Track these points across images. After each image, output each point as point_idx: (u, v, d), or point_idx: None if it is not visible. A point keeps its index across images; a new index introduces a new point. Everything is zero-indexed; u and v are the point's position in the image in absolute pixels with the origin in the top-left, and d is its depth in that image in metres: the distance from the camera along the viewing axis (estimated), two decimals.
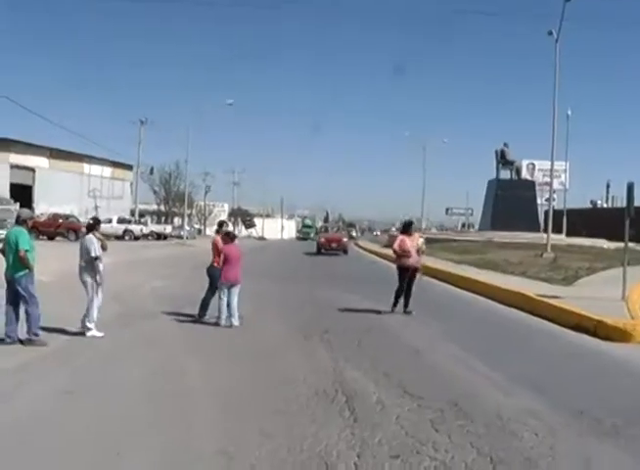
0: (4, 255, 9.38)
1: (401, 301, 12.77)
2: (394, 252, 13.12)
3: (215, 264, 11.88)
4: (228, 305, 11.17)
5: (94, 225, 10.34)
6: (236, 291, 11.30)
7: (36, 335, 9.08)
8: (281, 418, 5.96)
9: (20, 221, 9.50)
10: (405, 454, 5.05)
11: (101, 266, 9.98)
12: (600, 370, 8.50)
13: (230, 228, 12.82)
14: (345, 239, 42.20)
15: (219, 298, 11.26)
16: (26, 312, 9.13)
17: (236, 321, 11.13)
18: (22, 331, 9.16)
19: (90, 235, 10.09)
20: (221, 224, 13.06)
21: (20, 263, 9.10)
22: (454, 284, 19.64)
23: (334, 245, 39.63)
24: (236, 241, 11.89)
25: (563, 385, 7.47)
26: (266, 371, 7.98)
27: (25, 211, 10.87)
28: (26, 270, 9.19)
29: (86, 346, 9.22)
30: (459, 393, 6.86)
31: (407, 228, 13.54)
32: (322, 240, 40.85)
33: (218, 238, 12.05)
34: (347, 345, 9.57)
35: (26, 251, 9.09)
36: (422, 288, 19.01)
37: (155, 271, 23.14)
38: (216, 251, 11.83)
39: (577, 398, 6.80)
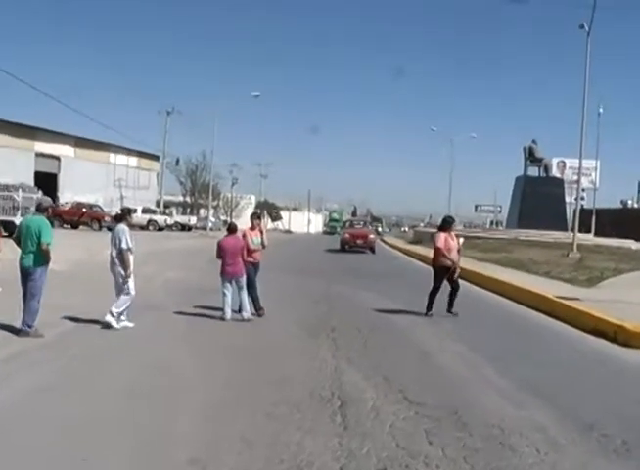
0: (18, 243, 9.13)
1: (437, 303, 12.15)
2: (438, 250, 12.12)
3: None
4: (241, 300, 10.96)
5: (124, 215, 10.13)
6: (241, 284, 10.98)
7: (30, 327, 8.80)
8: (267, 423, 5.60)
9: (41, 209, 9.29)
10: (393, 468, 4.66)
11: (131, 258, 9.75)
12: (616, 379, 7.96)
13: (260, 220, 12.37)
14: (373, 235, 37.16)
15: (222, 293, 10.94)
16: (27, 303, 8.86)
17: (246, 314, 10.83)
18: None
19: (122, 225, 9.86)
20: (252, 216, 12.57)
21: (40, 256, 8.86)
22: (473, 282, 19.09)
23: (359, 242, 35.62)
24: (238, 233, 11.39)
25: (574, 394, 6.97)
26: (262, 370, 7.65)
27: (46, 199, 10.78)
28: (45, 264, 8.97)
29: (80, 338, 8.99)
30: (461, 400, 6.43)
31: (447, 225, 12.53)
32: (346, 236, 36.60)
33: (248, 231, 11.73)
34: (353, 344, 9.19)
35: (48, 244, 8.84)
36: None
37: (172, 262, 23.00)
38: (247, 245, 11.52)
39: (589, 409, 6.31)
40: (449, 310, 12.12)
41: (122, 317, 9.80)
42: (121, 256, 9.63)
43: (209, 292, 14.07)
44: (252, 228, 11.82)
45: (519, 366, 8.16)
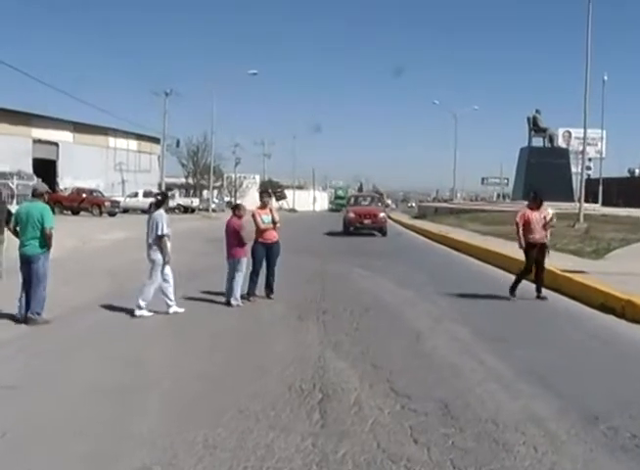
0: (16, 233, 9.01)
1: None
2: (515, 225, 11.36)
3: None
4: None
5: (162, 201, 9.85)
6: (237, 268, 10.47)
7: (39, 314, 8.70)
8: (237, 422, 5.05)
9: (36, 195, 9.04)
10: None
11: (169, 244, 9.49)
12: (625, 362, 7.28)
13: (271, 197, 11.86)
14: (383, 214, 29.99)
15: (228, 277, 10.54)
16: (33, 291, 8.70)
17: (234, 301, 10.31)
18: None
19: (160, 211, 9.54)
20: (262, 194, 12.13)
21: (43, 242, 8.71)
22: (475, 256, 18.52)
23: (367, 222, 28.84)
24: (241, 211, 10.80)
25: (579, 380, 6.34)
26: (242, 359, 7.13)
27: (42, 185, 10.54)
28: (47, 250, 8.81)
29: (55, 329, 8.49)
30: (453, 391, 5.85)
31: (535, 199, 11.51)
32: (351, 215, 29.48)
33: (257, 210, 11.23)
34: (343, 328, 8.64)
35: (51, 228, 8.72)
36: (435, 262, 18.20)
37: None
38: (256, 225, 11.08)
39: (594, 398, 5.69)
40: (538, 295, 11.18)
41: (171, 303, 9.62)
42: (160, 242, 9.40)
43: (198, 275, 13.70)
44: (263, 207, 11.29)
45: (519, 348, 7.56)
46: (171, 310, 9.58)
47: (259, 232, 10.99)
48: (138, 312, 9.36)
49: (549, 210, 11.76)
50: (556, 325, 9.23)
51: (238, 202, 10.39)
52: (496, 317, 9.67)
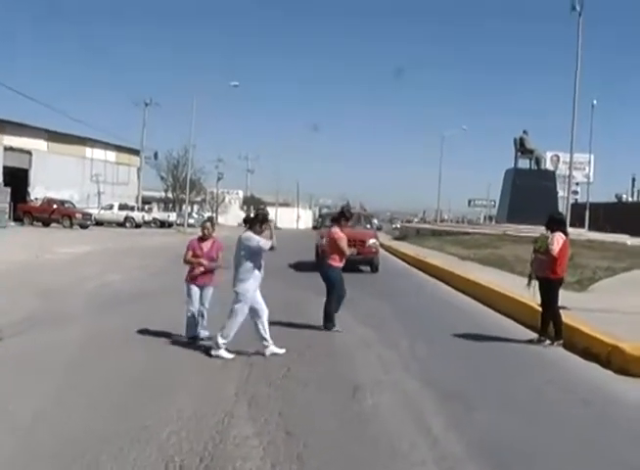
0: None
1: None
2: (554, 258, 9.24)
3: (333, 263, 10.06)
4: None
5: (255, 220, 8.12)
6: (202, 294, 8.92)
7: None
8: None
9: None
10: None
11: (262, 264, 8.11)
12: (607, 428, 5.78)
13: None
14: (374, 240, 20.63)
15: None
16: None
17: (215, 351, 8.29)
18: None
19: (248, 232, 7.97)
20: (342, 214, 10.77)
21: None
22: (452, 285, 17.05)
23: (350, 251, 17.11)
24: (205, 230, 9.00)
25: (548, 465, 4.86)
26: (128, 417, 5.55)
27: None
28: None
29: None
30: None
31: (559, 222, 9.75)
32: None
33: (337, 230, 10.16)
34: (269, 375, 7.11)
35: None
36: (406, 291, 16.59)
37: (124, 262, 20.93)
38: (334, 246, 10.03)
39: None
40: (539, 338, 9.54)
41: (267, 343, 8.09)
42: (251, 270, 7.94)
43: (148, 298, 12.52)
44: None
45: (478, 409, 6.06)
46: (267, 352, 8.02)
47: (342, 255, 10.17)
48: (214, 352, 7.88)
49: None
50: (530, 376, 7.65)
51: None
52: (459, 364, 8.12)
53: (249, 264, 7.91)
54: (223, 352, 7.85)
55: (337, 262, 10.13)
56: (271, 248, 7.93)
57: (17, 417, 5.51)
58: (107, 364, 7.43)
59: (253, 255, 7.92)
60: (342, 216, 10.54)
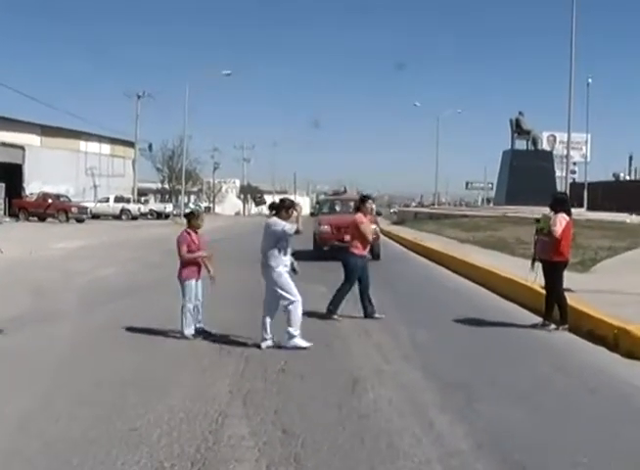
0: None
1: None
2: (559, 242, 9.02)
3: (355, 251, 9.89)
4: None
5: (281, 207, 8.03)
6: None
7: None
8: None
9: None
10: None
11: (289, 250, 8.07)
12: (616, 416, 5.51)
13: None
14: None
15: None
16: None
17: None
18: None
19: (274, 218, 7.97)
20: (363, 200, 10.51)
21: None
22: (451, 269, 16.79)
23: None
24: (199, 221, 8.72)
25: (558, 448, 4.60)
26: (118, 419, 5.26)
27: None
28: None
29: None
30: None
31: (564, 203, 9.59)
32: (325, 229, 19.32)
33: (360, 215, 10.05)
34: (266, 369, 6.85)
35: None
36: (406, 276, 16.32)
37: (119, 255, 20.71)
38: (356, 232, 9.90)
39: None
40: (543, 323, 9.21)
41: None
42: (277, 256, 7.90)
43: (140, 292, 12.42)
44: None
45: (483, 401, 5.81)
46: (291, 343, 7.78)
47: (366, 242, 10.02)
48: (292, 342, 7.75)
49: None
50: (535, 364, 7.36)
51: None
52: (462, 352, 7.87)
53: (275, 250, 7.88)
54: (300, 341, 7.77)
55: (359, 251, 9.90)
56: (297, 231, 7.79)
57: (1, 418, 5.27)
58: (97, 362, 7.19)
59: (280, 240, 7.87)
60: (362, 203, 10.33)
